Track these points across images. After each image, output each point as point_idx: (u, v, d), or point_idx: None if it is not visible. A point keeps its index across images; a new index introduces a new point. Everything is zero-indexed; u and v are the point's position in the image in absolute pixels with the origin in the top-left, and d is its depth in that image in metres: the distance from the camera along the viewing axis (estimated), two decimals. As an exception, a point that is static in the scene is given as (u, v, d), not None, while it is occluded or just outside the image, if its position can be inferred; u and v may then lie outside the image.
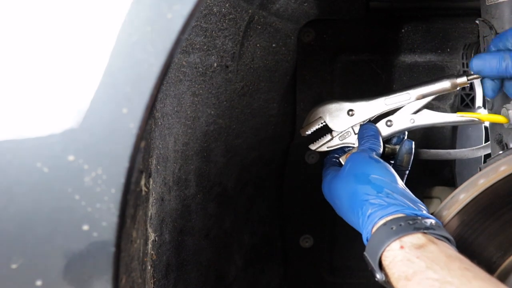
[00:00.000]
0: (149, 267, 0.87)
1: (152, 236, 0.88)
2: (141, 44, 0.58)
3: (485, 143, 1.34)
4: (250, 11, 1.06)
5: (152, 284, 0.88)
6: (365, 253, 0.86)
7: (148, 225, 0.85)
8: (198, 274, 1.13)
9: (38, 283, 0.61)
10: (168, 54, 0.58)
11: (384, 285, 0.84)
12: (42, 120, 0.60)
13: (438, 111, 1.08)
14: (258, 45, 1.15)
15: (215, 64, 1.04)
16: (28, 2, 0.61)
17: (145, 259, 0.80)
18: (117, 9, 0.59)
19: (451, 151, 1.28)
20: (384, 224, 0.84)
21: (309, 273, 1.44)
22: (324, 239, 1.42)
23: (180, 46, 0.59)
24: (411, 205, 0.87)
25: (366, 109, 1.10)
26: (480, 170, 0.93)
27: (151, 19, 0.58)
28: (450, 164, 1.40)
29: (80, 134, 0.59)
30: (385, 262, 0.82)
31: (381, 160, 0.98)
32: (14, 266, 0.60)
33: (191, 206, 1.08)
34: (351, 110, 1.10)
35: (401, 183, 0.93)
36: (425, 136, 1.38)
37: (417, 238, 0.80)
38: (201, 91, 1.02)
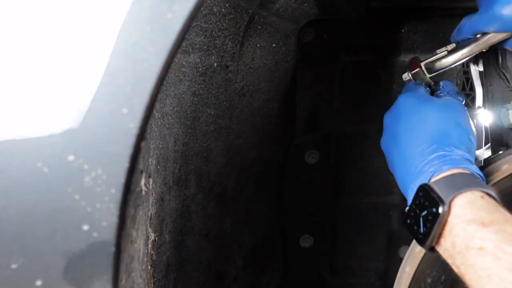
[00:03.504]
0: (149, 267, 0.87)
1: (152, 236, 0.88)
2: (141, 44, 0.58)
3: (485, 143, 1.34)
4: (250, 11, 1.06)
5: (152, 284, 0.88)
6: (429, 183, 0.80)
7: (148, 225, 0.85)
8: (198, 274, 1.13)
9: (38, 283, 0.61)
10: (168, 54, 0.58)
11: (433, 221, 0.77)
12: (42, 120, 0.60)
13: None
14: (258, 45, 1.15)
15: (215, 64, 1.04)
16: (28, 2, 0.61)
17: (145, 259, 0.80)
18: (117, 9, 0.59)
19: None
20: (471, 174, 0.81)
21: (309, 273, 1.44)
22: (324, 239, 1.42)
23: (180, 46, 0.59)
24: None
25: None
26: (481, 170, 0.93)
27: (151, 19, 0.58)
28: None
29: (80, 134, 0.59)
30: (459, 201, 0.77)
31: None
32: (14, 266, 0.60)
33: (191, 206, 1.08)
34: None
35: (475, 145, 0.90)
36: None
37: (493, 197, 0.78)
38: (201, 91, 1.02)
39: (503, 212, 0.75)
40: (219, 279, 1.24)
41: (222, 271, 1.25)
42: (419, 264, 0.90)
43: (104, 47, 0.59)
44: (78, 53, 0.60)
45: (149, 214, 0.86)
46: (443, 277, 0.91)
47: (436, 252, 0.80)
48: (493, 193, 0.79)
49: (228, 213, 1.24)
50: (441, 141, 0.85)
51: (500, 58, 1.02)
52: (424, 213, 0.79)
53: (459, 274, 0.75)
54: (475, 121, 1.18)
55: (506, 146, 1.06)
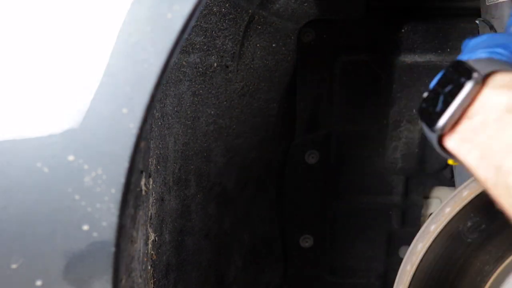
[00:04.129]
0: (149, 267, 0.87)
1: (152, 236, 0.88)
2: (141, 44, 0.58)
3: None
4: (250, 11, 1.06)
5: (152, 284, 0.88)
6: (466, 60, 0.63)
7: (148, 225, 0.85)
8: (198, 274, 1.13)
9: (38, 283, 0.61)
10: (168, 54, 0.58)
11: (463, 89, 0.59)
12: (42, 120, 0.60)
13: None
14: (258, 45, 1.15)
15: (215, 64, 1.04)
16: (28, 2, 0.61)
17: (145, 259, 0.80)
18: (117, 9, 0.59)
19: None
20: None
21: (309, 273, 1.44)
22: (324, 239, 1.42)
23: (180, 46, 0.59)
24: None
25: None
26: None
27: (151, 19, 0.58)
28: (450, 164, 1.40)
29: (80, 134, 0.59)
30: (500, 75, 0.59)
31: None
32: (14, 266, 0.60)
33: (191, 206, 1.08)
34: None
35: None
36: (422, 140, 1.37)
37: None
38: (201, 91, 1.02)
39: None
40: (219, 279, 1.24)
41: (222, 271, 1.25)
42: (419, 262, 0.90)
43: (104, 47, 0.59)
44: (78, 53, 0.60)
45: (149, 214, 0.86)
46: (483, 226, 0.90)
47: (446, 151, 0.62)
48: None
49: (228, 213, 1.24)
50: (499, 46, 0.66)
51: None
52: (449, 88, 0.61)
53: (476, 162, 0.57)
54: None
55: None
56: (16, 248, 0.60)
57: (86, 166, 0.59)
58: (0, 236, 0.60)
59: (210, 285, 1.20)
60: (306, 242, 1.42)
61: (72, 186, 0.59)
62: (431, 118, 0.61)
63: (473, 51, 0.68)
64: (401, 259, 0.93)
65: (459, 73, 0.60)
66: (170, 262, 1.01)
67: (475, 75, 0.58)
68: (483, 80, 0.58)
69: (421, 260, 0.91)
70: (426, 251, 0.90)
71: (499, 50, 0.65)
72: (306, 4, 1.22)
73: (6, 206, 0.60)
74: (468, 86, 0.58)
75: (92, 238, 0.60)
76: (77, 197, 0.59)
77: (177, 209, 1.02)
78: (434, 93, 0.63)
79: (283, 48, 1.25)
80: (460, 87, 0.59)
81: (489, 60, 0.63)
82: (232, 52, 1.07)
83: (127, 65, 0.59)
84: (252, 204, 1.33)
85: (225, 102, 1.11)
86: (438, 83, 0.63)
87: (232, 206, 1.25)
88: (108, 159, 0.59)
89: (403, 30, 1.33)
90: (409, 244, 0.94)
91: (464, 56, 0.66)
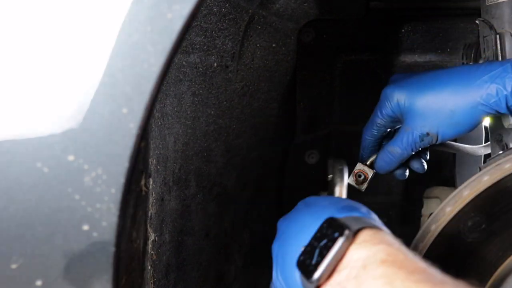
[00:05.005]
0: (149, 267, 0.87)
1: (152, 236, 0.88)
2: (141, 44, 0.58)
3: (485, 143, 1.34)
4: (250, 11, 1.06)
5: (152, 284, 0.88)
6: (340, 217, 0.70)
7: (148, 225, 0.85)
8: (198, 274, 1.13)
9: (38, 283, 0.61)
10: (168, 54, 0.58)
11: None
12: (42, 120, 0.60)
13: None
14: (258, 45, 1.15)
15: (215, 64, 1.04)
16: (28, 2, 0.61)
17: (145, 259, 0.80)
18: (117, 9, 0.59)
19: (454, 144, 1.25)
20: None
21: (309, 273, 1.44)
22: (324, 239, 1.42)
23: (180, 46, 0.59)
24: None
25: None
26: (480, 169, 0.93)
27: (151, 19, 0.58)
28: (450, 164, 1.40)
29: (80, 134, 0.59)
30: (367, 231, 0.67)
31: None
32: (14, 266, 0.60)
33: (191, 206, 1.08)
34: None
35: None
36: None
37: None
38: (201, 91, 1.02)
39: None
40: (219, 279, 1.24)
41: (222, 271, 1.25)
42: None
43: (104, 47, 0.59)
44: (78, 53, 0.60)
45: (149, 214, 0.86)
46: (484, 225, 0.90)
47: None
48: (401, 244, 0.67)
49: (228, 213, 1.24)
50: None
51: (500, 56, 1.02)
52: (323, 242, 0.67)
53: None
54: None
55: (506, 146, 1.06)
56: (16, 248, 0.60)
57: (86, 166, 0.59)
58: (0, 236, 0.60)
59: (210, 285, 1.20)
60: (306, 242, 1.42)
61: (72, 186, 0.59)
62: (308, 270, 0.66)
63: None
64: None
65: (333, 229, 0.67)
66: (170, 262, 1.01)
67: (346, 232, 0.65)
68: (353, 236, 0.66)
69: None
70: (427, 251, 0.90)
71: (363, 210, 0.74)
72: (306, 4, 1.22)
73: (6, 206, 0.60)
74: (339, 242, 0.64)
75: (92, 238, 0.60)
76: (77, 197, 0.60)
77: (177, 209, 1.02)
78: (311, 247, 0.68)
79: (283, 48, 1.25)
80: (333, 241, 0.65)
81: (359, 218, 0.70)
82: (232, 52, 1.07)
83: (127, 65, 0.59)
84: (252, 204, 1.33)
85: (225, 102, 1.11)
86: (314, 238, 0.69)
87: (232, 206, 1.25)
88: (108, 159, 0.59)
89: (403, 30, 1.33)
90: (409, 244, 0.94)
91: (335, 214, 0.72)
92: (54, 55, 0.60)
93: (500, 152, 1.01)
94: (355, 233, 0.66)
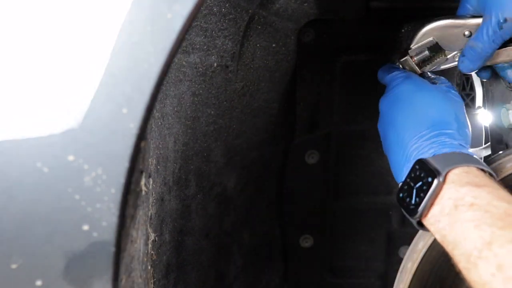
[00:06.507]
0: (149, 267, 0.87)
1: (152, 236, 0.88)
2: (141, 44, 0.58)
3: (485, 143, 1.34)
4: (250, 11, 1.06)
5: (152, 284, 0.88)
6: (428, 158, 0.81)
7: (148, 225, 0.85)
8: (198, 274, 1.13)
9: (38, 283, 0.61)
10: (168, 54, 0.58)
11: (427, 189, 0.78)
12: (42, 120, 0.60)
13: None
14: (258, 45, 1.15)
15: (215, 64, 1.04)
16: (28, 2, 0.61)
17: (145, 259, 0.80)
18: (117, 9, 0.59)
19: None
20: (469, 155, 0.82)
21: (309, 273, 1.44)
22: (324, 239, 1.42)
23: (180, 46, 0.60)
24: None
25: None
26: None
27: (151, 19, 0.58)
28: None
29: (80, 134, 0.59)
30: (456, 171, 0.78)
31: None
32: (14, 266, 0.60)
33: (191, 206, 1.08)
34: (468, 31, 1.00)
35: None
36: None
37: (491, 175, 0.80)
38: (201, 91, 1.02)
39: (498, 183, 0.76)
40: (219, 279, 1.24)
41: (222, 271, 1.25)
42: (420, 260, 0.91)
43: (104, 47, 0.59)
44: (78, 53, 0.60)
45: (149, 214, 0.86)
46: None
47: (424, 227, 0.80)
48: (491, 171, 0.80)
49: (228, 213, 1.24)
50: (442, 128, 0.87)
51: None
52: (419, 184, 0.79)
53: (440, 240, 0.75)
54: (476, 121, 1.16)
55: (506, 146, 1.06)
56: (16, 248, 0.60)
57: (86, 166, 0.59)
58: (0, 236, 0.60)
59: (210, 285, 1.20)
60: (306, 242, 1.42)
61: (72, 186, 0.59)
62: (409, 209, 0.80)
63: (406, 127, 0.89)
64: (401, 259, 0.93)
65: (426, 172, 0.79)
66: (170, 262, 1.01)
67: (438, 176, 0.77)
68: (444, 178, 0.77)
69: (422, 258, 0.91)
70: (428, 249, 0.90)
71: (454, 141, 0.85)
72: (306, 4, 1.22)
73: (6, 206, 0.60)
74: (433, 186, 0.77)
75: (92, 238, 0.60)
76: (77, 197, 0.60)
77: (177, 209, 1.02)
78: (408, 186, 0.82)
79: (283, 48, 1.25)
80: (428, 184, 0.77)
81: (445, 156, 0.81)
82: (232, 52, 1.07)
83: (127, 65, 0.59)
84: (252, 204, 1.33)
85: (225, 102, 1.11)
86: (409, 178, 0.82)
87: (232, 206, 1.25)
88: (108, 159, 0.59)
89: (403, 30, 1.33)
90: (409, 244, 0.94)
91: (423, 155, 0.84)
92: (54, 55, 0.60)
93: (500, 152, 1.01)
94: (445, 175, 0.77)
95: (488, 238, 0.66)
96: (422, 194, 0.78)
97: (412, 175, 0.82)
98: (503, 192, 0.73)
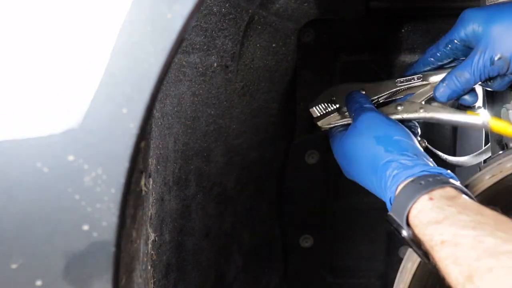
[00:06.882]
0: (149, 267, 0.87)
1: (152, 236, 0.88)
2: (141, 44, 0.58)
3: (485, 143, 1.34)
4: (250, 11, 1.06)
5: (152, 284, 0.88)
6: (389, 213, 0.84)
7: (148, 225, 0.85)
8: (198, 274, 1.13)
9: (38, 283, 0.61)
10: (168, 54, 0.58)
11: (409, 243, 0.83)
12: (42, 120, 0.60)
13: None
14: (258, 45, 1.15)
15: (215, 64, 1.04)
16: (29, 2, 0.61)
17: (145, 259, 0.80)
18: (117, 9, 0.59)
19: (450, 158, 1.26)
20: (412, 181, 0.82)
21: (309, 273, 1.44)
22: (324, 239, 1.42)
23: (180, 46, 0.60)
24: (435, 165, 0.86)
25: (377, 89, 1.07)
26: (481, 169, 0.93)
27: (151, 19, 0.58)
28: (450, 165, 1.40)
29: (80, 134, 0.59)
30: (413, 213, 0.80)
31: (397, 122, 0.96)
32: (14, 266, 0.60)
33: (191, 206, 1.08)
34: (361, 90, 1.07)
35: (418, 145, 0.91)
36: (424, 135, 1.38)
37: (447, 191, 0.80)
38: (201, 91, 1.02)
39: (454, 202, 0.78)
40: (219, 279, 1.24)
41: (222, 271, 1.25)
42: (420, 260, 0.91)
43: (104, 47, 0.59)
44: (79, 53, 0.60)
45: (149, 214, 0.86)
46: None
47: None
48: (435, 185, 0.81)
49: (228, 213, 1.24)
50: (373, 165, 0.90)
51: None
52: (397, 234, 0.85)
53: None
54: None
55: (506, 146, 1.06)
56: (16, 248, 0.60)
57: (86, 166, 0.59)
58: (0, 236, 0.60)
59: (210, 285, 1.20)
60: (306, 242, 1.42)
61: (72, 186, 0.59)
62: (397, 230, 0.83)
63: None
64: (401, 259, 0.93)
65: (395, 228, 0.83)
66: (170, 262, 1.01)
67: (404, 232, 0.82)
68: (410, 229, 0.82)
69: None
70: None
71: (390, 166, 0.87)
72: (306, 4, 1.22)
73: (6, 206, 0.60)
74: (408, 239, 0.82)
75: (92, 238, 0.60)
76: (77, 197, 0.60)
77: (177, 209, 1.02)
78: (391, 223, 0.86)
79: (283, 48, 1.25)
80: (402, 237, 0.83)
81: (398, 200, 0.84)
82: (232, 52, 1.07)
83: (127, 65, 0.59)
84: (252, 204, 1.33)
85: (225, 102, 1.11)
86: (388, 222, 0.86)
87: (232, 206, 1.25)
88: (108, 159, 0.59)
89: (403, 30, 1.33)
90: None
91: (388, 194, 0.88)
92: (55, 55, 0.60)
93: (500, 152, 1.01)
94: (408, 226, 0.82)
95: (467, 272, 0.69)
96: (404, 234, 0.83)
97: (389, 220, 0.85)
98: (463, 216, 0.75)
